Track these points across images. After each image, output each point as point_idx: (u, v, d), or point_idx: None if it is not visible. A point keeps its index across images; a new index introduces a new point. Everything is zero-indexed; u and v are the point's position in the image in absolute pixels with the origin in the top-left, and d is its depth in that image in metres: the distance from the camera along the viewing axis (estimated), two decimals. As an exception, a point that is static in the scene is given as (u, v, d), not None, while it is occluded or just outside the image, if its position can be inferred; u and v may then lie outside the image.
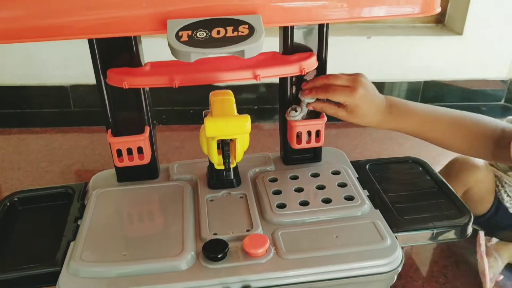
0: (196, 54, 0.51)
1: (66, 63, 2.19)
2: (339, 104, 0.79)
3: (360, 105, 0.78)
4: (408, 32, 2.40)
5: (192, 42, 0.51)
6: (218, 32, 0.52)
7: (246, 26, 0.53)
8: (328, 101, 0.80)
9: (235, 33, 0.52)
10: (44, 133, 2.23)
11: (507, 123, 0.85)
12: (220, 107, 0.65)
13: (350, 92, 0.77)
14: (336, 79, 0.78)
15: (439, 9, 0.62)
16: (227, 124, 0.62)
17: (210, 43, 0.51)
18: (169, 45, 0.52)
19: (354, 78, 0.78)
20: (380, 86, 2.54)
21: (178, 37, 0.51)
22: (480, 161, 1.23)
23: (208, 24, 0.53)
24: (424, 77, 2.46)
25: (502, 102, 2.57)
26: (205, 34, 0.52)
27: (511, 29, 2.41)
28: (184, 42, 0.51)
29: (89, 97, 2.25)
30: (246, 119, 0.62)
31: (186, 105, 2.28)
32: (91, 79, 2.50)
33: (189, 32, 0.52)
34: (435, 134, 0.84)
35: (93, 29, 0.56)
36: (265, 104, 2.11)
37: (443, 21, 2.47)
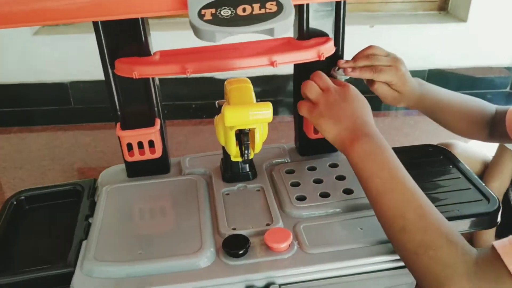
0: (221, 33, 0.47)
1: (65, 60, 2.15)
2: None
3: (405, 83, 0.77)
4: (411, 20, 2.36)
5: (217, 20, 0.47)
6: (244, 10, 0.48)
7: (274, 2, 0.49)
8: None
9: (263, 10, 0.48)
10: (44, 131, 2.20)
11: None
12: (238, 95, 0.62)
13: (396, 71, 0.76)
14: (377, 59, 0.76)
15: None
16: (248, 112, 0.58)
17: (236, 21, 0.48)
18: (191, 25, 0.48)
19: (394, 58, 0.77)
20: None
21: (200, 15, 0.48)
22: None
23: (233, 1, 0.49)
24: (428, 65, 2.42)
25: (508, 89, 2.54)
26: (230, 12, 0.48)
27: (516, 15, 2.37)
28: (207, 21, 0.47)
29: (89, 93, 2.22)
30: (268, 106, 0.59)
31: (188, 100, 2.25)
32: (91, 75, 2.48)
33: (213, 10, 0.48)
34: (445, 116, 0.87)
35: (108, 10, 0.52)
36: (266, 97, 2.07)
37: (446, 8, 2.43)
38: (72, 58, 2.15)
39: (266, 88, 2.31)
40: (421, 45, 2.36)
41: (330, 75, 0.75)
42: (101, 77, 2.36)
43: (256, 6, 0.49)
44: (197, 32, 0.48)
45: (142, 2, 0.51)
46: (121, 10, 0.52)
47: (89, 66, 2.14)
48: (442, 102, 0.86)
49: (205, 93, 2.25)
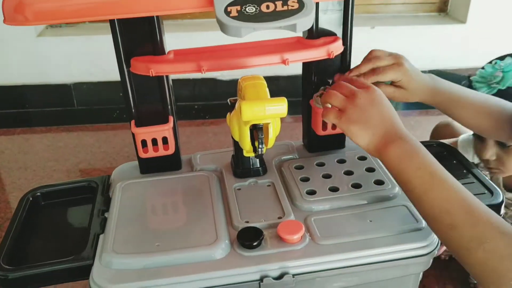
0: (246, 29, 0.49)
1: (69, 61, 2.17)
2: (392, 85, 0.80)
3: (411, 79, 0.79)
4: (411, 22, 2.39)
5: (242, 17, 0.50)
6: (268, 7, 0.51)
7: (296, 0, 0.51)
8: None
9: (285, 7, 0.51)
10: (48, 132, 2.22)
11: None
12: (254, 91, 0.64)
13: (398, 67, 0.78)
14: (379, 60, 0.78)
15: None
16: (265, 107, 0.60)
17: (260, 17, 0.50)
18: (218, 21, 0.50)
19: (396, 55, 0.79)
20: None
21: (227, 12, 0.50)
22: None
23: (256, -1, 0.51)
24: (428, 66, 2.45)
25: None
26: (254, 8, 0.50)
27: (514, 16, 2.40)
28: (234, 18, 0.50)
29: (92, 94, 2.24)
30: (283, 101, 0.61)
31: (191, 101, 2.27)
32: (94, 77, 2.49)
33: (238, 7, 0.50)
34: (462, 112, 0.87)
35: (135, 7, 0.54)
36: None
37: (446, 10, 2.46)
38: (75, 59, 2.17)
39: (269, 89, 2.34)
40: (421, 46, 2.38)
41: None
42: (104, 78, 2.38)
43: (279, 3, 0.51)
44: (223, 28, 0.50)
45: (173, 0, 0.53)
46: (150, 7, 0.54)
47: (92, 67, 2.17)
48: (459, 98, 0.86)
49: (208, 94, 2.27)
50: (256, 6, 0.51)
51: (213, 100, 2.25)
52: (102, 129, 2.21)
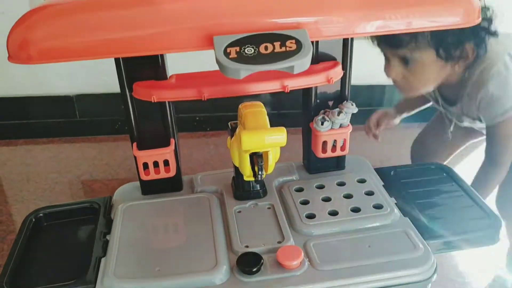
0: (245, 71, 0.50)
1: (71, 73, 2.19)
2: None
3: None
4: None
5: (241, 58, 0.51)
6: (266, 48, 0.52)
7: (293, 41, 0.52)
8: None
9: (283, 49, 0.52)
10: (50, 143, 2.23)
11: None
12: (254, 120, 0.65)
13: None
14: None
15: (479, 20, 0.62)
16: (264, 137, 0.62)
17: (259, 59, 0.51)
18: (218, 62, 0.51)
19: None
20: (381, 89, 2.54)
21: (226, 53, 0.51)
22: None
23: (255, 40, 0.52)
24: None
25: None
26: (253, 50, 0.51)
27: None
28: (233, 59, 0.51)
29: (94, 106, 2.25)
30: (283, 131, 0.62)
31: (191, 112, 2.28)
32: (96, 88, 2.50)
33: (237, 49, 0.51)
34: None
35: (135, 47, 0.55)
36: (269, 110, 2.11)
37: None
38: (78, 71, 2.18)
39: (271, 101, 2.35)
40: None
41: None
42: (106, 90, 2.38)
43: (277, 44, 0.52)
44: (223, 69, 0.51)
45: (171, 40, 0.54)
46: (150, 47, 0.55)
47: (94, 79, 2.18)
48: None
49: (208, 106, 2.28)
50: (254, 47, 0.52)
51: (214, 112, 2.27)
52: (104, 140, 2.22)
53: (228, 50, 0.51)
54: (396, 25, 0.58)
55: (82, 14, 0.55)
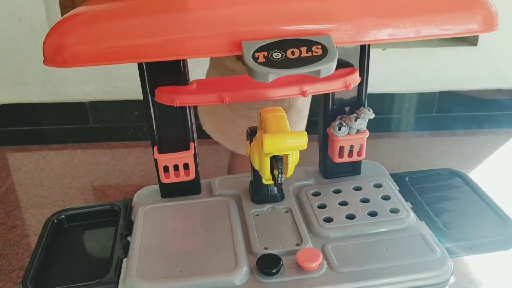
0: (274, 75, 0.52)
1: (84, 80, 2.22)
2: None
3: None
4: (423, 44, 2.42)
5: (269, 63, 0.53)
6: (293, 53, 0.54)
7: (319, 46, 0.54)
8: None
9: (309, 53, 0.54)
10: (64, 149, 2.25)
11: None
12: (275, 124, 0.66)
13: None
14: None
15: (497, 27, 0.63)
16: (286, 140, 0.63)
17: (286, 63, 0.53)
18: (247, 66, 0.53)
19: None
20: (392, 97, 2.56)
21: (255, 58, 0.53)
22: None
23: (282, 45, 0.54)
24: (439, 88, 2.47)
25: (518, 111, 2.59)
26: (280, 55, 0.53)
27: (525, 39, 2.42)
28: (261, 63, 0.52)
29: (107, 113, 2.28)
30: (304, 135, 0.63)
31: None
32: (109, 95, 2.53)
33: (265, 53, 0.53)
34: None
35: (165, 51, 0.57)
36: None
37: (457, 32, 2.49)
38: (91, 78, 2.21)
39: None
40: (432, 67, 2.41)
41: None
42: (119, 97, 2.40)
43: (304, 49, 0.54)
44: (252, 73, 0.53)
45: (202, 46, 0.56)
46: (183, 51, 0.57)
47: (107, 86, 2.21)
48: None
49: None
50: (282, 52, 0.54)
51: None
52: (116, 147, 2.25)
53: (256, 55, 0.53)
54: (415, 32, 0.60)
55: (113, 20, 0.57)
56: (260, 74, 0.52)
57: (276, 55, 0.53)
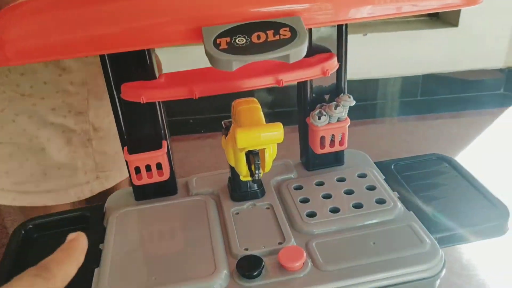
0: (238, 62, 0.47)
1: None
2: None
3: None
4: (403, 27, 2.39)
5: (232, 49, 0.48)
6: (259, 37, 0.49)
7: (287, 28, 0.49)
8: None
9: (277, 37, 0.49)
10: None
11: None
12: (249, 116, 0.62)
13: None
14: None
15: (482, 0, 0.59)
16: (260, 134, 0.59)
17: (251, 49, 0.48)
18: (207, 54, 0.48)
19: None
20: (375, 83, 2.53)
21: (216, 45, 0.48)
22: None
23: (246, 29, 0.49)
24: (422, 71, 2.45)
25: (501, 91, 2.56)
26: (244, 40, 0.48)
27: (506, 18, 2.40)
28: (223, 50, 0.48)
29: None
30: (279, 127, 0.59)
31: (185, 115, 2.25)
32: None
33: (228, 39, 0.48)
34: None
35: (120, 42, 0.52)
36: (265, 108, 2.08)
37: (437, 14, 2.45)
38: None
39: (268, 99, 2.32)
40: (414, 51, 2.38)
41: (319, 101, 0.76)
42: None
43: (270, 33, 0.49)
44: (213, 61, 0.48)
45: (157, 34, 0.51)
46: (135, 42, 0.52)
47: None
48: None
49: (201, 107, 2.26)
50: (246, 37, 0.49)
51: (207, 114, 2.24)
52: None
53: (218, 41, 0.48)
54: (396, 8, 0.56)
55: (61, 9, 0.52)
56: (222, 62, 0.48)
57: (240, 40, 0.48)
